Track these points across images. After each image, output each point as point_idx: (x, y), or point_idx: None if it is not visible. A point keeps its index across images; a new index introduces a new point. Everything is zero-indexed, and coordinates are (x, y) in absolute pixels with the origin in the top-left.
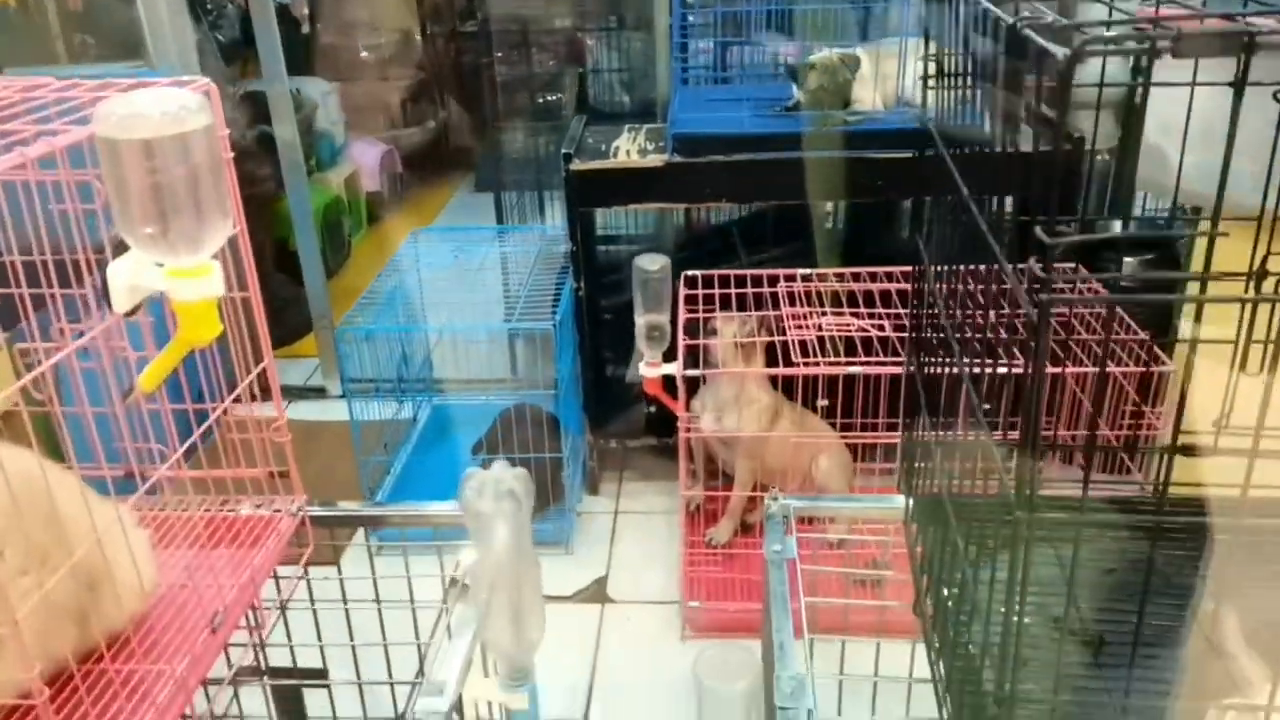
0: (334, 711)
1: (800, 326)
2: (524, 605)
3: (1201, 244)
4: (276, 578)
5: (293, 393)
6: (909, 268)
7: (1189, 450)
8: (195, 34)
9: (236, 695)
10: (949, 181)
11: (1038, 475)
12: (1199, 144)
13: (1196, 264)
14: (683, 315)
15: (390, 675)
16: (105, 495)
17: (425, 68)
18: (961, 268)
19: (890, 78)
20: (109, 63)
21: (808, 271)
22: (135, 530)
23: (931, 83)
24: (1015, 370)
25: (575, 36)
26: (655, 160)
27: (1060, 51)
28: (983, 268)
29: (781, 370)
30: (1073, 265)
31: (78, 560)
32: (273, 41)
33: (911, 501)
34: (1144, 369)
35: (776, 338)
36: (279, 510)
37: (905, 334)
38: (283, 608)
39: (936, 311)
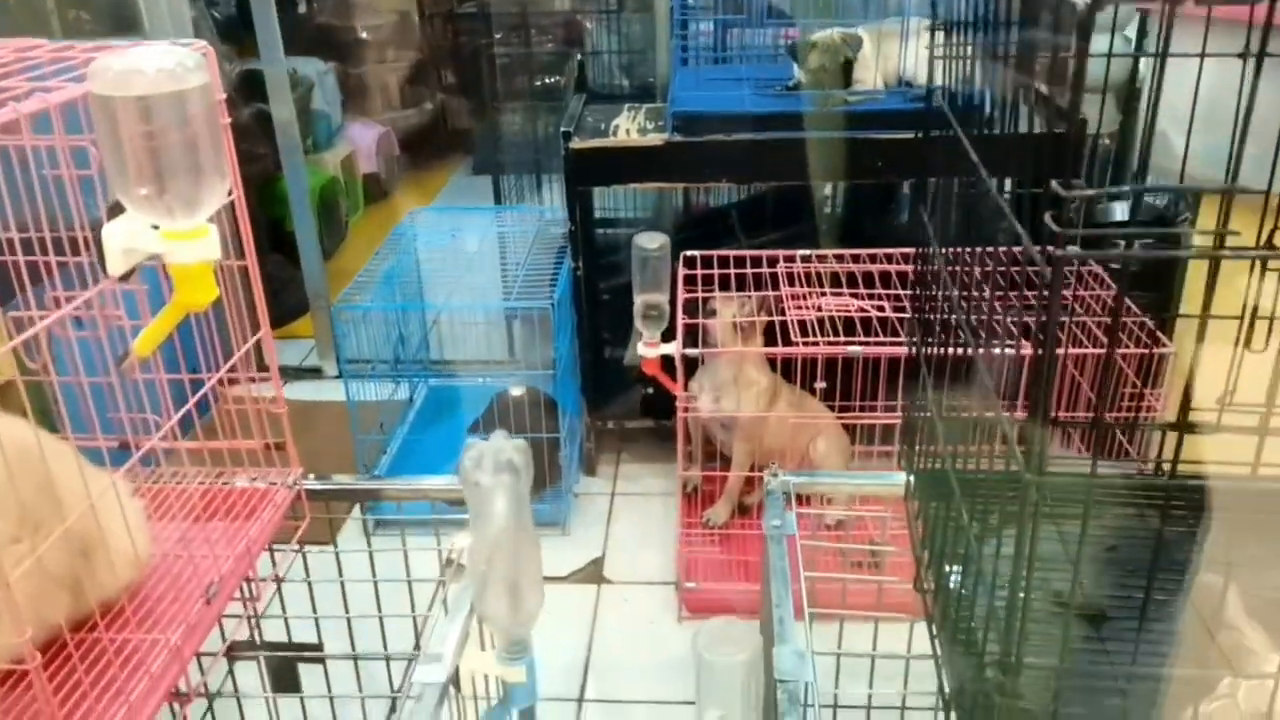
0: (329, 686)
1: (800, 307)
2: (522, 578)
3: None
4: (272, 552)
5: (289, 373)
6: (909, 249)
7: (1192, 427)
8: (191, 11)
9: (231, 670)
10: (958, 160)
11: (1047, 439)
12: (1201, 127)
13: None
14: (681, 295)
15: (386, 650)
16: (100, 466)
17: (423, 49)
18: (970, 230)
19: (892, 57)
20: (104, 39)
21: (807, 252)
22: (130, 499)
23: (939, 56)
24: (1024, 350)
25: (574, 18)
26: (655, 139)
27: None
28: (990, 248)
29: (780, 350)
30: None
31: (71, 527)
32: (270, 20)
33: (912, 478)
34: (1145, 349)
35: (776, 318)
36: (275, 483)
37: (905, 315)
38: (278, 581)
39: (940, 276)
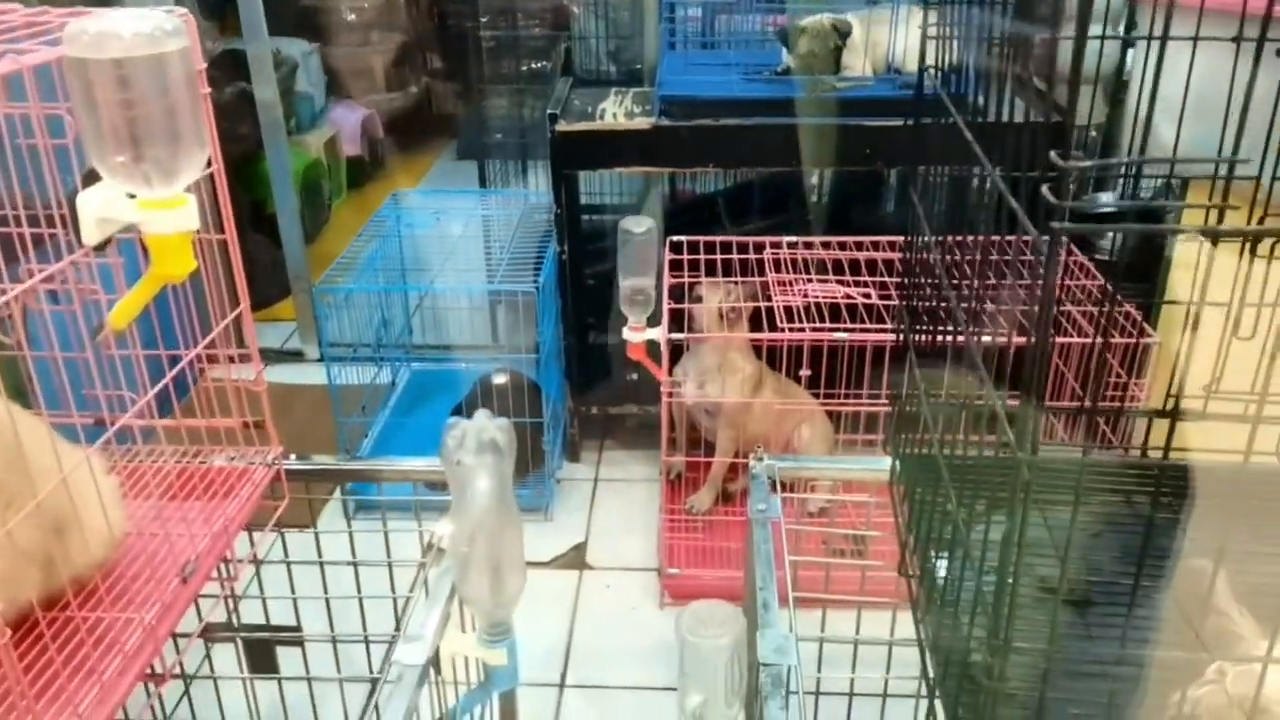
0: (307, 669)
1: (785, 293)
2: (504, 559)
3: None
4: (250, 532)
5: (270, 356)
6: (895, 237)
7: (1182, 414)
8: None
9: (208, 651)
10: (951, 144)
11: (1040, 417)
12: (1190, 117)
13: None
14: (668, 280)
15: (365, 632)
16: (75, 443)
17: (409, 32)
18: (961, 214)
19: (881, 44)
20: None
21: (794, 239)
22: (104, 476)
23: (933, 37)
24: (1016, 340)
25: (561, 3)
26: (642, 123)
27: None
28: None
29: (766, 336)
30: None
31: (44, 504)
32: None
33: (898, 462)
34: (1132, 339)
35: (762, 303)
36: (254, 462)
37: (891, 302)
38: (257, 563)
39: (930, 255)
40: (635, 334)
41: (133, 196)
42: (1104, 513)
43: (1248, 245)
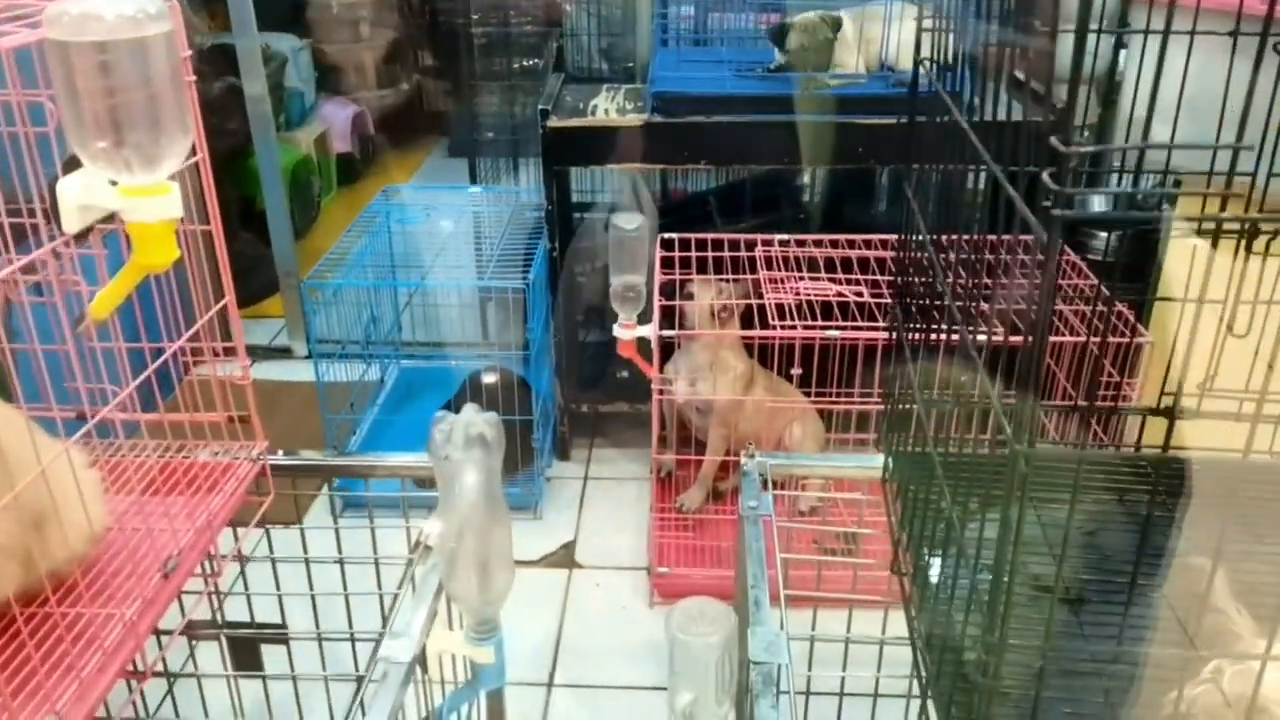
0: (292, 667)
1: (777, 291)
2: (491, 555)
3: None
4: (235, 529)
5: (257, 353)
6: (887, 235)
7: (1173, 412)
8: None
9: (192, 651)
10: (946, 139)
11: (1036, 408)
12: (1185, 117)
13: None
14: (659, 277)
15: (351, 630)
16: (56, 437)
17: (400, 28)
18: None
19: (874, 41)
20: None
21: (785, 237)
22: (85, 470)
23: (928, 29)
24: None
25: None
26: (635, 119)
27: None
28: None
29: (757, 333)
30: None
31: (22, 497)
32: None
33: (891, 459)
34: (1125, 338)
35: (754, 301)
36: (238, 457)
37: (883, 300)
38: (241, 560)
39: (925, 250)
40: (626, 331)
41: (115, 184)
42: (1098, 510)
43: (1243, 242)
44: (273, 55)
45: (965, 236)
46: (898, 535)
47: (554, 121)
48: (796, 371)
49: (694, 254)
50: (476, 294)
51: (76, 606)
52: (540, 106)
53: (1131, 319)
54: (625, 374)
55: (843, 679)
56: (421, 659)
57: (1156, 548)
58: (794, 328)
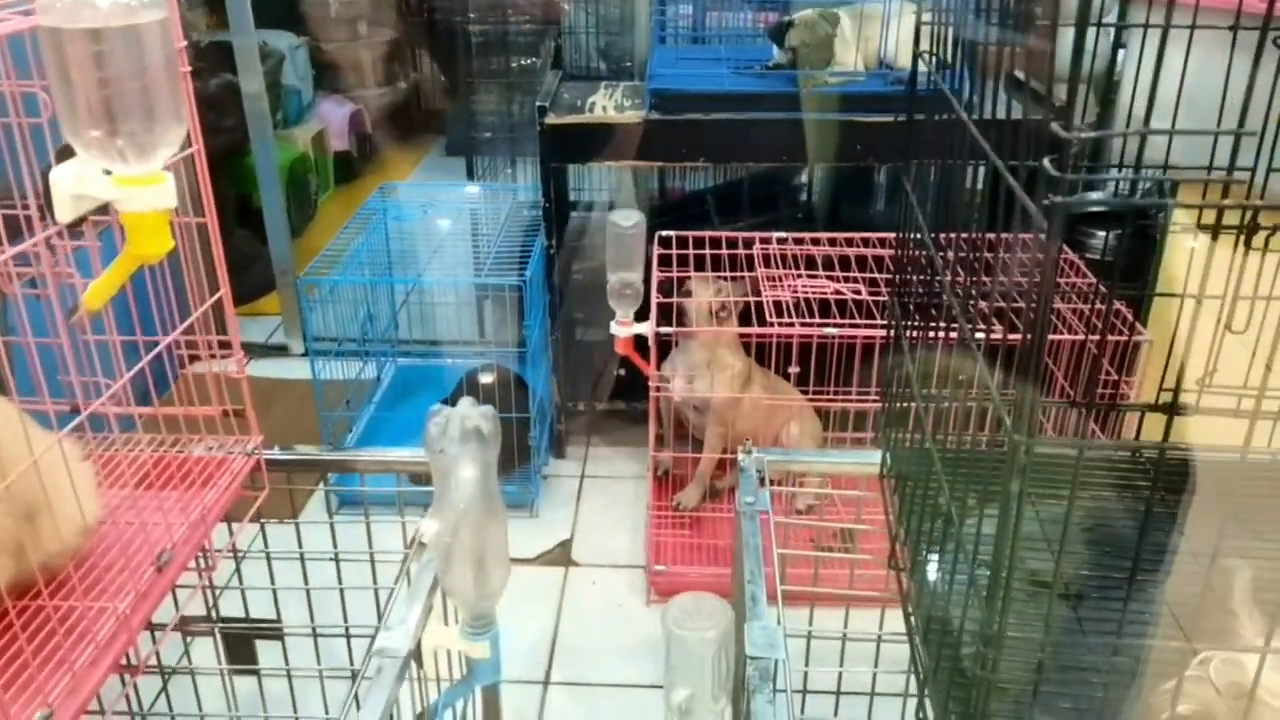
0: (287, 662)
1: (775, 288)
2: (488, 550)
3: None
4: (230, 524)
5: (254, 350)
6: (885, 233)
7: (1172, 409)
8: None
9: (187, 646)
10: (945, 135)
11: (1037, 399)
12: (1183, 116)
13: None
14: (656, 275)
15: (346, 625)
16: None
17: (398, 26)
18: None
19: (873, 39)
20: None
21: (783, 235)
22: (78, 463)
23: (927, 23)
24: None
25: None
26: (633, 116)
27: None
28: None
29: (755, 331)
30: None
31: (14, 489)
32: None
33: (889, 454)
34: (1124, 337)
35: (751, 298)
36: (233, 451)
37: (881, 298)
38: (236, 555)
39: (925, 244)
40: (623, 329)
41: (109, 173)
42: (1096, 506)
43: (1242, 238)
44: (270, 53)
45: (965, 231)
46: (895, 530)
47: (552, 119)
48: (794, 369)
49: (692, 252)
50: (473, 291)
51: (69, 599)
52: (538, 104)
53: (1130, 317)
54: (622, 371)
55: (840, 676)
56: (417, 654)
57: (1156, 543)
58: (792, 326)
